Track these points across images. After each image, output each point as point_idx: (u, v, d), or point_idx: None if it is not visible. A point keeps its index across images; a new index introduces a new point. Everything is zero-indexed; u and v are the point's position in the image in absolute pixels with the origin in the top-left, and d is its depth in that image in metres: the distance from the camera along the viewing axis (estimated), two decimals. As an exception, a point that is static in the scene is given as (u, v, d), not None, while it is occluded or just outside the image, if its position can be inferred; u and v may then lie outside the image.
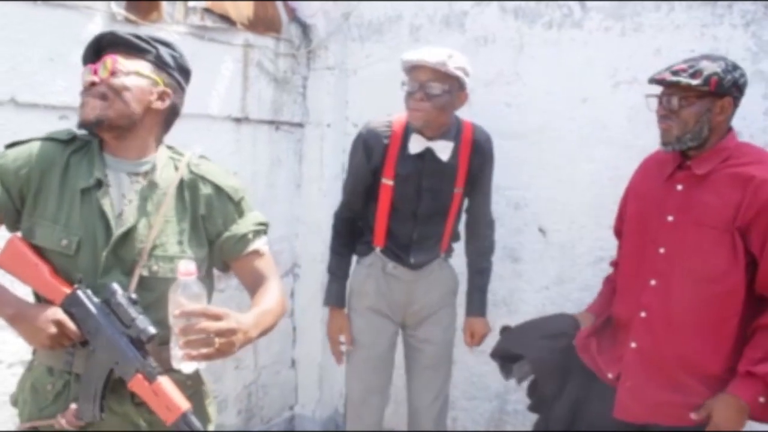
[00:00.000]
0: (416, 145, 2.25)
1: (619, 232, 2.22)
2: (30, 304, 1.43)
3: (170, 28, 2.57)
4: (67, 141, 1.48)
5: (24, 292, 1.47)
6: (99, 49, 1.48)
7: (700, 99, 1.85)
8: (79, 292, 1.37)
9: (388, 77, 2.30)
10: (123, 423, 1.43)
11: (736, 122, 2.32)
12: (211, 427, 1.60)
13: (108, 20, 2.34)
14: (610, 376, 2.03)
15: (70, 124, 2.25)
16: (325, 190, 3.29)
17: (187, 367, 1.31)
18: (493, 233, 2.52)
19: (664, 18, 2.48)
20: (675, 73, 1.85)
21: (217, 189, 1.53)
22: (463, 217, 2.49)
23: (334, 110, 3.27)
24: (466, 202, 2.45)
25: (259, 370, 3.24)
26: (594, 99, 2.63)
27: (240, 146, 3.00)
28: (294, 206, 3.34)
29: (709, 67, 1.83)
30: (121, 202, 1.45)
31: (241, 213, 1.56)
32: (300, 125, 3.33)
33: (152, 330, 1.32)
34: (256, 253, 1.56)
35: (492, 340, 2.59)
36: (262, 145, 3.12)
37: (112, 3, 2.35)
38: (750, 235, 1.80)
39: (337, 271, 2.46)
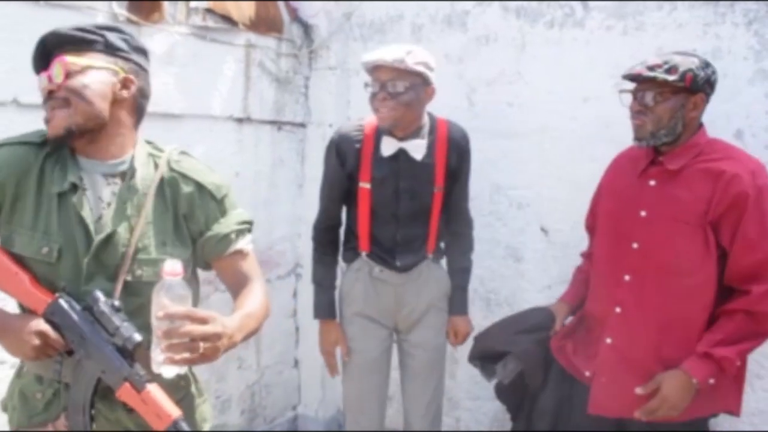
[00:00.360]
0: (388, 147, 2.22)
1: (591, 229, 2.24)
2: (12, 315, 1.38)
3: (172, 29, 2.58)
4: (41, 144, 1.40)
5: (14, 306, 1.44)
6: (46, 53, 1.39)
7: (675, 95, 1.87)
8: (61, 301, 1.32)
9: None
10: (115, 428, 1.40)
11: (740, 121, 2.33)
12: (206, 426, 1.57)
13: (110, 21, 2.35)
14: (587, 374, 2.04)
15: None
16: (328, 190, 3.28)
17: (168, 372, 1.25)
18: (471, 231, 2.49)
19: (666, 17, 2.47)
20: (651, 68, 1.87)
21: (199, 187, 1.47)
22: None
23: (336, 110, 3.27)
24: None
25: (262, 370, 3.24)
26: (596, 98, 2.62)
27: (242, 146, 3.00)
28: (296, 206, 3.34)
29: (684, 63, 1.85)
30: (98, 205, 1.39)
31: (223, 211, 1.50)
32: (302, 125, 3.33)
33: (138, 337, 1.28)
34: (239, 253, 1.51)
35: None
36: (264, 146, 3.12)
37: (114, 3, 2.36)
38: (720, 228, 1.83)
39: (323, 281, 2.39)
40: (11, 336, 1.33)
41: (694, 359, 1.82)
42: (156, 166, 1.46)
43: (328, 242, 2.41)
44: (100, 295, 1.31)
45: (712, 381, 1.82)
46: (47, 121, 1.37)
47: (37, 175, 1.38)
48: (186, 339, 1.20)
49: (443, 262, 2.48)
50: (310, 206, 3.32)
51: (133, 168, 1.42)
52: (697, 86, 1.86)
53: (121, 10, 2.37)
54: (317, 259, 2.41)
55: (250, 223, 1.56)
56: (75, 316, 1.31)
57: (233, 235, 1.50)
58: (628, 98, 1.96)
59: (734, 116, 2.33)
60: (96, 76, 1.36)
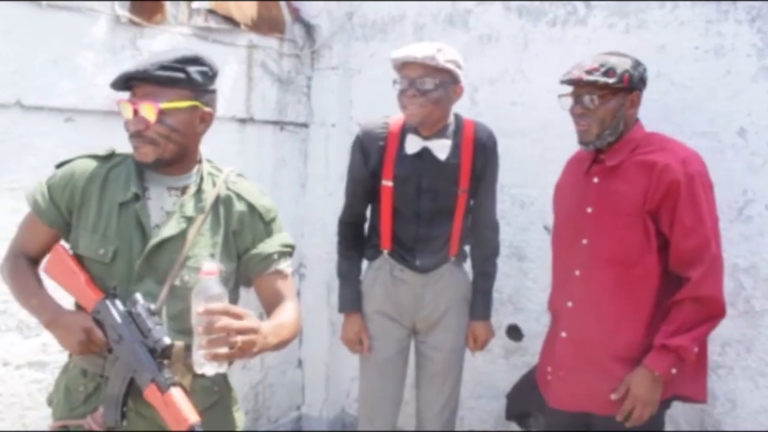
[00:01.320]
0: (413, 145, 2.22)
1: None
2: (65, 310, 1.49)
3: (174, 30, 2.58)
4: (106, 157, 1.55)
5: (70, 301, 1.53)
6: (128, 78, 1.47)
7: (614, 95, 1.94)
8: (107, 301, 1.42)
9: (393, 76, 2.28)
10: (151, 426, 1.46)
11: (743, 118, 2.32)
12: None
13: (112, 22, 2.36)
14: (549, 369, 2.09)
15: (75, 126, 2.27)
16: (331, 189, 3.29)
17: (210, 370, 1.31)
18: (497, 236, 2.45)
19: (668, 14, 2.47)
20: (589, 72, 1.93)
21: (251, 207, 1.58)
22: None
23: (339, 110, 3.27)
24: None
25: (266, 370, 3.24)
26: (599, 96, 2.62)
27: (245, 147, 3.00)
28: (299, 206, 3.35)
29: (620, 65, 1.94)
30: (159, 214, 1.51)
31: (270, 233, 1.60)
32: (304, 125, 3.33)
33: (167, 341, 1.35)
34: (279, 274, 1.60)
35: (495, 338, 2.59)
36: (266, 146, 3.12)
37: (116, 5, 2.36)
38: (660, 217, 1.90)
39: (348, 274, 2.41)
40: (62, 329, 1.44)
41: (654, 353, 1.88)
42: (214, 183, 1.57)
43: (352, 237, 2.42)
44: (139, 298, 1.39)
45: (674, 371, 1.87)
46: (134, 148, 1.48)
47: (101, 184, 1.51)
48: (224, 334, 1.25)
49: (466, 265, 2.45)
50: (313, 206, 3.33)
51: (200, 186, 1.54)
52: (633, 85, 1.95)
53: (123, 12, 2.38)
54: (341, 254, 2.43)
55: (292, 247, 1.65)
56: (117, 316, 1.40)
57: (276, 256, 1.59)
58: (569, 103, 2.02)
59: (737, 114, 2.32)
60: (181, 117, 1.48)
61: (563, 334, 2.05)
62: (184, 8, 2.63)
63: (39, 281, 1.55)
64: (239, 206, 1.57)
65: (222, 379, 1.57)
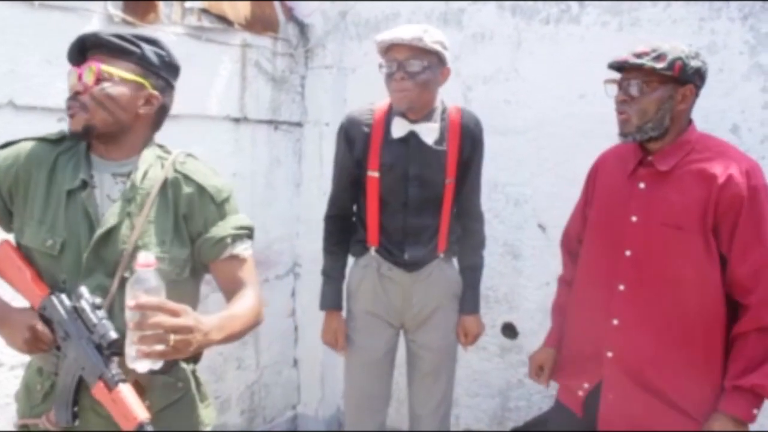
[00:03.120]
0: (399, 128, 2.17)
1: (571, 241, 2.16)
2: (11, 308, 1.43)
3: (167, 29, 2.57)
4: (56, 141, 1.47)
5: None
6: (83, 48, 1.45)
7: (662, 84, 1.75)
8: (53, 297, 1.36)
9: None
10: (108, 424, 1.39)
11: (736, 116, 2.33)
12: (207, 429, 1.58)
13: (105, 22, 2.34)
14: (580, 393, 1.95)
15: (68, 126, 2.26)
16: (325, 189, 3.24)
17: (141, 366, 1.24)
18: (483, 227, 2.41)
19: (661, 12, 2.48)
20: (638, 56, 1.76)
21: (200, 188, 1.49)
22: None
23: (333, 109, 3.27)
24: None
25: (261, 370, 3.24)
26: (592, 94, 2.62)
27: (239, 146, 3.00)
28: (294, 205, 3.34)
29: (673, 51, 1.74)
30: (105, 203, 1.43)
31: (222, 215, 1.51)
32: (299, 124, 3.33)
33: (113, 335, 1.29)
34: (235, 258, 1.51)
35: (490, 337, 2.60)
36: (260, 145, 3.12)
37: (109, 4, 2.35)
38: (719, 234, 1.72)
39: (331, 272, 2.36)
40: (7, 328, 1.39)
41: (728, 396, 1.71)
42: (162, 167, 1.49)
43: (337, 232, 2.36)
44: (83, 291, 1.33)
45: (756, 411, 1.70)
46: (69, 116, 1.42)
47: (49, 170, 1.43)
48: (157, 330, 1.19)
49: (455, 261, 2.40)
50: (307, 205, 3.33)
51: (138, 168, 1.45)
52: (686, 76, 1.74)
53: (116, 11, 2.37)
54: (326, 249, 2.38)
55: (249, 228, 1.56)
56: (63, 312, 1.34)
57: (229, 239, 1.50)
58: (615, 91, 1.85)
59: (730, 111, 2.34)
60: (123, 89, 1.42)
61: (609, 354, 1.86)
62: (177, 7, 2.62)
63: None
64: (187, 188, 1.48)
65: (188, 375, 1.52)
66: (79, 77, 1.41)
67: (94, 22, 2.31)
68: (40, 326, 1.36)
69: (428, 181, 2.20)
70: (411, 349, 2.39)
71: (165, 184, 1.47)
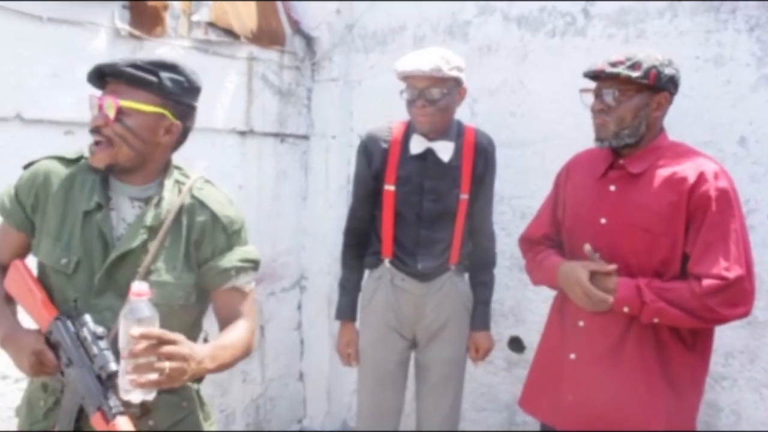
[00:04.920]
0: (417, 145, 2.26)
1: (532, 238, 2.14)
2: (21, 329, 1.45)
3: (174, 43, 2.59)
4: (74, 160, 1.49)
5: None
6: (102, 74, 1.44)
7: (638, 93, 1.78)
8: (59, 323, 1.37)
9: (393, 87, 2.29)
10: None
11: (744, 127, 2.31)
12: None
13: (112, 36, 2.36)
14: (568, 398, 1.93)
15: (75, 139, 2.27)
16: (331, 201, 3.28)
17: (136, 397, 1.23)
18: (494, 246, 2.46)
19: (667, 24, 2.47)
20: (613, 64, 1.78)
21: (214, 217, 1.50)
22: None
23: (339, 122, 3.28)
24: None
25: (267, 383, 3.23)
26: (599, 106, 2.61)
27: (245, 159, 3.00)
28: (300, 218, 3.34)
29: (647, 60, 1.77)
30: (120, 225, 1.45)
31: (231, 246, 1.52)
32: (305, 137, 3.34)
33: (113, 367, 1.28)
34: (236, 290, 1.51)
35: (497, 350, 2.58)
36: (267, 158, 3.12)
37: (116, 18, 2.37)
38: (688, 234, 1.74)
39: (347, 284, 2.45)
40: (14, 349, 1.41)
41: (631, 284, 1.74)
42: (180, 192, 1.50)
43: (354, 245, 2.44)
44: (87, 320, 1.34)
45: (626, 309, 1.75)
46: (92, 152, 1.44)
47: (66, 189, 1.45)
48: (152, 359, 1.19)
49: (466, 276, 2.45)
50: (313, 218, 3.33)
51: (161, 196, 1.47)
52: (661, 84, 1.78)
53: (123, 25, 2.38)
54: (344, 262, 2.47)
55: (255, 262, 1.56)
56: (67, 339, 1.35)
57: (233, 272, 1.51)
58: (591, 100, 1.87)
59: (738, 123, 2.32)
60: (143, 121, 1.42)
61: (572, 356, 1.90)
62: (184, 21, 2.64)
63: (5, 292, 1.50)
64: (202, 215, 1.49)
65: (192, 394, 1.53)
66: (100, 107, 1.41)
67: (101, 36, 2.33)
68: (46, 352, 1.37)
69: (442, 195, 2.28)
70: (420, 361, 2.42)
71: (181, 210, 1.48)
